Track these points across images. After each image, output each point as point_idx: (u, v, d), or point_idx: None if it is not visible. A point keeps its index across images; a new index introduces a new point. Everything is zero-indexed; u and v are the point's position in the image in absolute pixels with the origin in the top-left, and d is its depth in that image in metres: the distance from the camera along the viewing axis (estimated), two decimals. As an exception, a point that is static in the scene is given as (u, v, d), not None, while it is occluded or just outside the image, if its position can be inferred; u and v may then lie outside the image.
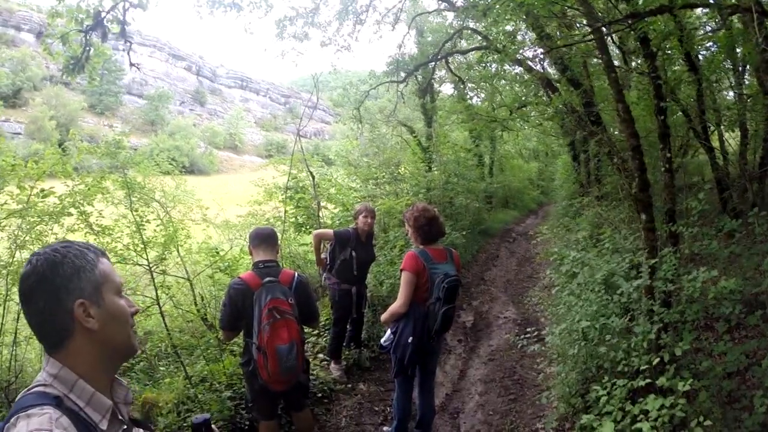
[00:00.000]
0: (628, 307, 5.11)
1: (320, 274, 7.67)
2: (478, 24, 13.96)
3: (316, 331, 7.67)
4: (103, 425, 1.38)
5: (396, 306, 4.51)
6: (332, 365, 7.04)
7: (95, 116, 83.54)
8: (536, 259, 13.15)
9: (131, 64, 9.51)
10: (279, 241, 4.82)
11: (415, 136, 18.82)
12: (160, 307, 6.51)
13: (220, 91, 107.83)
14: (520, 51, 11.68)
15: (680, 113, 9.13)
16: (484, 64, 14.11)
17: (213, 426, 1.95)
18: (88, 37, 7.98)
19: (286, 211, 10.85)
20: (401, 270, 4.50)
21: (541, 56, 12.29)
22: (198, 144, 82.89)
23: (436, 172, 15.65)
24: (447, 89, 23.09)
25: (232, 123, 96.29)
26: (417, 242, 4.69)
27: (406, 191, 14.31)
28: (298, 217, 11.53)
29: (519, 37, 11.94)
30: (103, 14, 7.96)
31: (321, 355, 7.32)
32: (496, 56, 11.82)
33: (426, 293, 4.45)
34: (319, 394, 6.36)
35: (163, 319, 6.60)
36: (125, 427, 1.48)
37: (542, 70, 13.21)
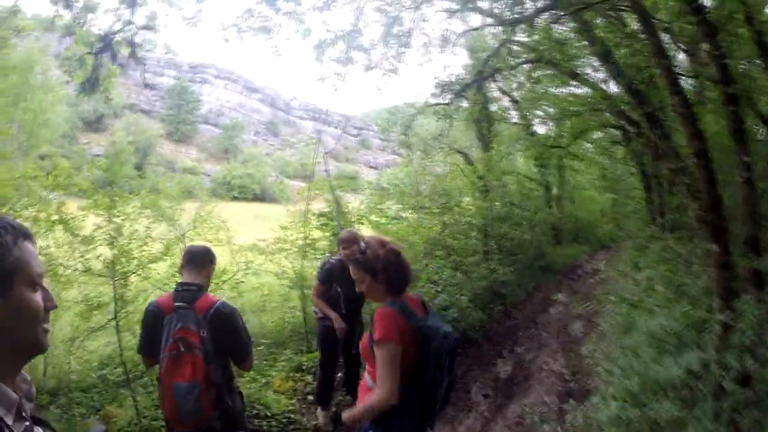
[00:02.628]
0: (687, 382, 3.56)
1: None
2: (527, 37, 12.67)
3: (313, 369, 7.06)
4: (9, 420, 1.26)
5: (380, 397, 2.91)
6: (318, 411, 6.13)
7: (172, 143, 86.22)
8: (598, 301, 11.59)
9: (145, 85, 9.81)
10: (212, 263, 4.07)
11: (470, 164, 17.73)
12: (117, 323, 6.38)
13: (293, 123, 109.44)
14: (575, 62, 10.33)
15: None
16: (533, 80, 12.78)
17: None
18: (97, 59, 7.99)
19: (305, 236, 10.21)
20: (376, 341, 2.94)
21: (597, 66, 10.85)
22: (270, 173, 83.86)
23: (495, 203, 14.49)
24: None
25: (304, 153, 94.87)
26: (382, 293, 3.20)
27: (461, 222, 13.26)
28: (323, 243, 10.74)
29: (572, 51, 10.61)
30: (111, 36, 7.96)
31: (310, 398, 6.58)
32: (548, 71, 10.59)
33: (415, 367, 2.95)
34: (292, 443, 5.28)
35: (117, 335, 6.34)
36: (27, 424, 1.33)
37: (603, 88, 11.73)
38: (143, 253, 7.43)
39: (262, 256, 10.75)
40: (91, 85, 8.17)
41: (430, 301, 8.92)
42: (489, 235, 13.53)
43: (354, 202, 12.60)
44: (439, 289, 9.24)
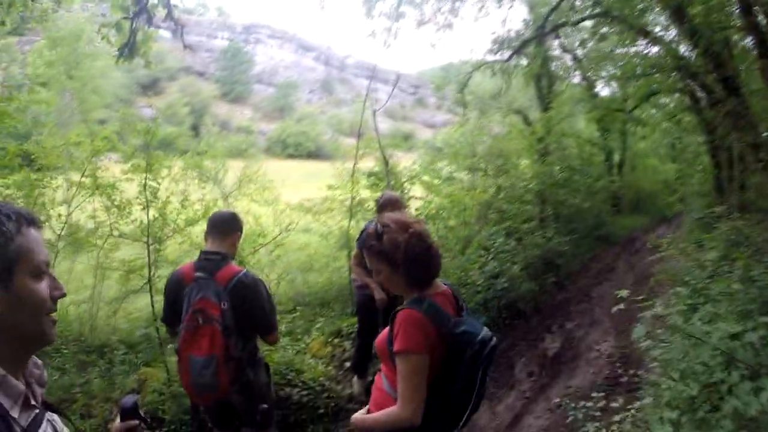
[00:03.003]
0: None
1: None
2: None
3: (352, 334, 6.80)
4: (15, 413, 1.22)
5: (400, 417, 2.36)
6: (354, 380, 5.86)
7: (227, 104, 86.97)
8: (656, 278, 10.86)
9: (184, 46, 10.23)
10: (238, 230, 3.80)
11: (529, 125, 17.03)
12: (150, 286, 6.20)
13: (348, 80, 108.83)
14: (644, 19, 9.53)
15: None
16: (598, 37, 11.93)
17: (140, 411, 1.72)
18: (134, 24, 7.96)
19: (352, 198, 9.84)
20: (399, 351, 2.37)
21: (668, 24, 10.00)
22: (324, 130, 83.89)
23: (554, 167, 13.87)
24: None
25: (357, 111, 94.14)
26: (404, 287, 2.58)
27: (517, 186, 12.63)
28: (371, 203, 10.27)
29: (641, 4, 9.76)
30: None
31: (347, 365, 6.34)
32: (615, 26, 9.80)
33: (442, 378, 2.39)
34: (321, 410, 5.31)
35: (151, 299, 6.11)
36: (37, 411, 1.30)
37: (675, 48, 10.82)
38: (180, 216, 7.42)
39: (309, 215, 10.90)
40: (129, 50, 8.10)
41: (480, 269, 8.51)
42: (546, 201, 12.95)
43: (407, 162, 12.15)
44: (491, 257, 8.75)
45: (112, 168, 7.45)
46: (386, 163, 9.93)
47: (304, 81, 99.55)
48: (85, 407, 5.24)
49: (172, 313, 3.60)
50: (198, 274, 3.46)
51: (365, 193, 10.37)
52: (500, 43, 13.76)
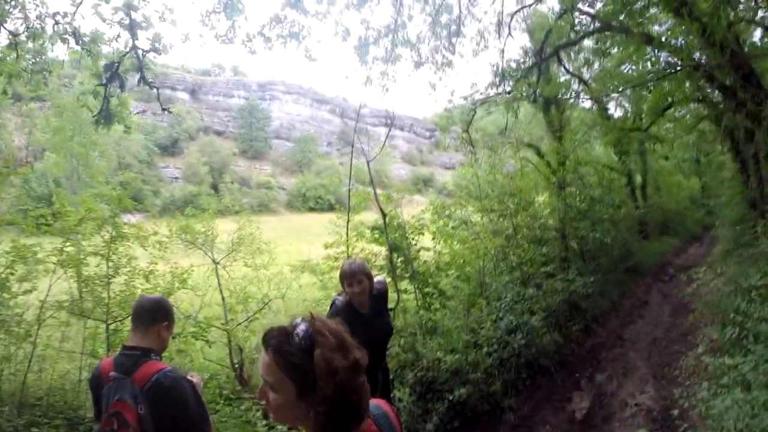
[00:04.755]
0: None
1: None
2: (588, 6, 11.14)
3: None
4: None
5: None
6: None
7: (246, 160, 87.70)
8: (695, 311, 9.82)
9: (163, 109, 9.53)
10: (165, 319, 3.24)
11: (542, 157, 16.27)
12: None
13: (365, 130, 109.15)
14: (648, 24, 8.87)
15: None
16: (602, 53, 11.21)
17: None
18: (108, 89, 7.75)
19: (348, 255, 9.24)
20: None
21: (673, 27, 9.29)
22: (344, 182, 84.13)
23: (574, 199, 13.07)
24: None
25: (378, 160, 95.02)
26: (314, 427, 1.75)
27: (535, 225, 11.99)
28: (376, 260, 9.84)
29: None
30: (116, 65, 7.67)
31: None
32: (617, 38, 9.12)
33: None
34: None
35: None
36: None
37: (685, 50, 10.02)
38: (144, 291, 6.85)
39: (309, 274, 10.41)
40: (105, 117, 7.93)
41: (494, 323, 7.68)
42: (567, 237, 12.07)
43: (418, 208, 11.49)
44: (505, 310, 7.90)
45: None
46: (383, 215, 9.27)
47: (321, 134, 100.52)
48: None
49: (98, 412, 3.09)
50: (113, 373, 2.99)
51: (371, 247, 9.87)
52: (501, 75, 13.10)
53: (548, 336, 7.84)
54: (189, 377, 3.15)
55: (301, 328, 1.80)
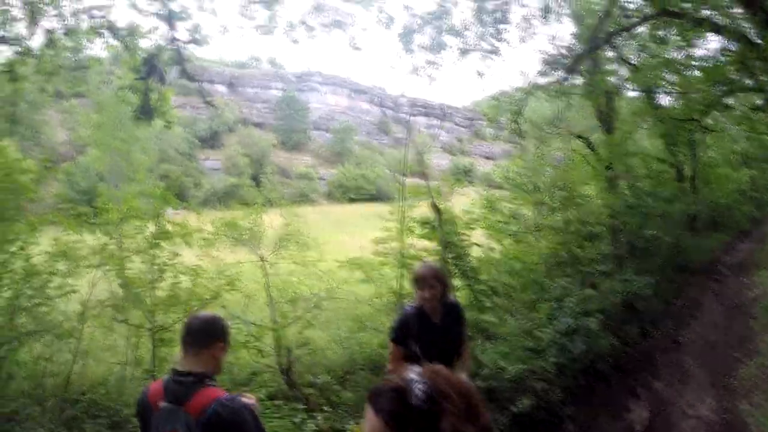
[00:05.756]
0: None
1: None
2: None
3: None
4: None
5: None
6: None
7: (286, 151, 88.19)
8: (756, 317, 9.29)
9: (205, 102, 9.60)
10: (219, 339, 2.98)
11: (592, 149, 15.75)
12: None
13: (403, 119, 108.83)
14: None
15: None
16: (657, 40, 10.67)
17: None
18: (148, 83, 7.69)
19: (402, 255, 9.03)
20: None
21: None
22: (383, 172, 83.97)
23: (625, 192, 12.58)
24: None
25: (418, 150, 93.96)
26: None
27: (587, 220, 11.61)
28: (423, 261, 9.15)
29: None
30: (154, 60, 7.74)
31: None
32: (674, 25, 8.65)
33: None
34: None
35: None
36: None
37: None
38: (192, 296, 6.67)
39: (359, 271, 9.90)
40: (145, 112, 7.86)
41: (550, 322, 7.32)
42: (618, 233, 11.58)
43: (466, 201, 11.21)
44: (563, 311, 7.50)
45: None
46: (438, 212, 8.97)
47: (359, 124, 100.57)
48: None
49: None
50: (163, 404, 2.74)
51: (421, 243, 9.54)
52: (551, 63, 12.62)
53: (604, 339, 7.42)
54: (245, 400, 2.91)
55: (420, 387, 1.49)
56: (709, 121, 17.33)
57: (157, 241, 6.54)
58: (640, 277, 9.27)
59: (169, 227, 7.10)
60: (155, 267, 6.21)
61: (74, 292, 6.52)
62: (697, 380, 7.16)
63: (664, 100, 17.10)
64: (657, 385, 7.07)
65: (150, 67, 7.46)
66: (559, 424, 6.17)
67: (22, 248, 6.32)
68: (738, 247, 18.92)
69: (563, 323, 7.22)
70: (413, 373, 1.50)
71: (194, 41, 7.52)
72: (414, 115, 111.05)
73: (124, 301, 6.59)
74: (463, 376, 4.27)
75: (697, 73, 13.17)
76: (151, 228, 6.84)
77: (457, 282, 8.76)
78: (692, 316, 10.37)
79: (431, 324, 4.26)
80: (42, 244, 6.61)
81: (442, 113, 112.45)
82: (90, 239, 7.00)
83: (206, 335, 2.93)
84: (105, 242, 6.79)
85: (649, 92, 16.07)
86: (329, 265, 10.23)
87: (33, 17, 7.45)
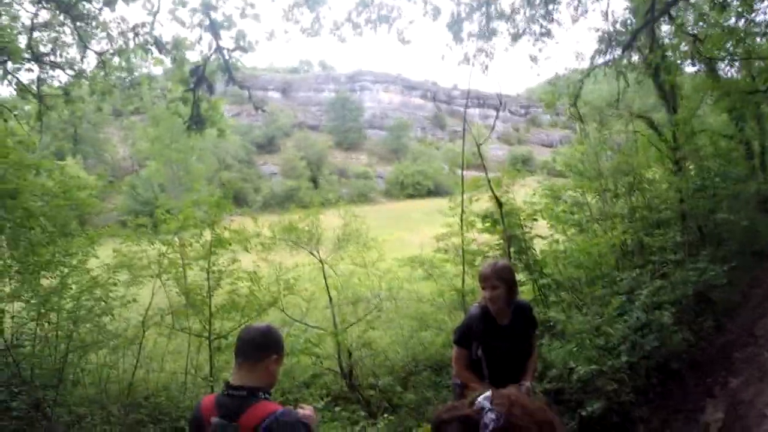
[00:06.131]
0: None
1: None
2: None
3: None
4: None
5: None
6: None
7: (342, 152, 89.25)
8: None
9: (256, 108, 9.58)
10: (275, 351, 2.90)
11: (656, 129, 15.13)
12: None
13: (458, 112, 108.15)
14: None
15: None
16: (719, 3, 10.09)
17: None
18: (197, 94, 7.73)
19: (464, 251, 8.91)
20: None
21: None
22: (441, 166, 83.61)
23: (691, 173, 12.00)
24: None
25: (474, 142, 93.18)
26: None
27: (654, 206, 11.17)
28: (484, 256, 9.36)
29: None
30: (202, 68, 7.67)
31: None
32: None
33: None
34: None
35: None
36: None
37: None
38: (251, 301, 6.62)
39: (421, 269, 10.00)
40: (196, 122, 7.85)
41: (623, 320, 6.93)
42: (687, 219, 10.97)
43: (527, 192, 10.94)
44: (634, 305, 7.08)
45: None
46: (499, 204, 8.73)
47: (414, 119, 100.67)
48: None
49: None
50: (215, 419, 2.69)
51: (483, 237, 9.50)
52: (607, 41, 12.15)
53: (677, 335, 6.96)
54: (301, 412, 2.80)
55: (491, 417, 1.37)
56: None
57: (214, 248, 6.53)
58: (713, 265, 8.69)
59: (226, 234, 7.13)
60: (213, 274, 6.20)
61: (135, 301, 6.64)
62: (777, 378, 6.64)
63: (729, 72, 16.32)
64: (733, 384, 6.51)
65: (198, 78, 7.47)
66: (631, 427, 5.81)
67: (81, 261, 6.52)
68: (821, 226, 17.75)
69: (634, 318, 6.82)
70: (485, 399, 1.34)
71: (240, 48, 7.47)
72: (468, 107, 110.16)
73: (184, 308, 6.65)
74: (528, 383, 4.07)
75: (759, 40, 12.46)
76: (207, 236, 6.84)
77: (521, 276, 8.50)
78: (770, 306, 9.67)
79: (497, 327, 4.06)
80: (102, 256, 6.84)
81: (498, 103, 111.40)
82: (150, 249, 7.11)
83: (259, 348, 2.85)
84: (164, 251, 6.86)
85: (711, 64, 15.38)
86: (389, 264, 10.15)
87: (82, 41, 7.79)
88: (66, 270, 6.30)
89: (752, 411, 5.80)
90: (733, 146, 16.25)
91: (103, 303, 6.31)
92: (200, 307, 6.47)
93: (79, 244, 6.59)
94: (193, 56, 7.66)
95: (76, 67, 8.03)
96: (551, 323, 7.43)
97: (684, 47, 13.55)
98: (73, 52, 8.03)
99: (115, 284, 6.49)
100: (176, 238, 7.17)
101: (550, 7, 11.96)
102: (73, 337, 6.12)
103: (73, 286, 6.30)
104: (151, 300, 6.77)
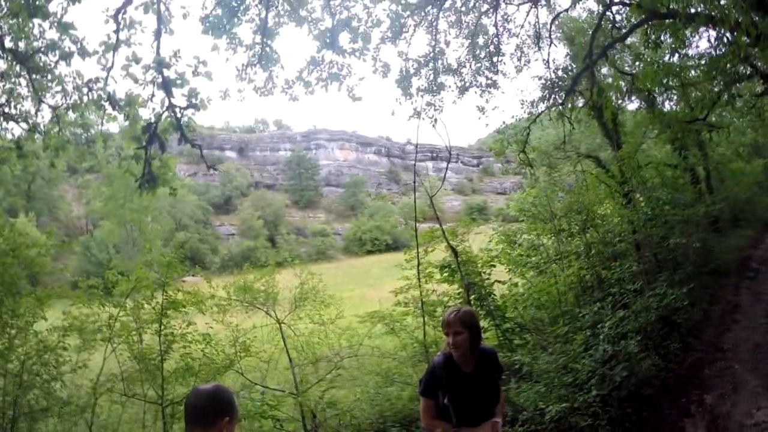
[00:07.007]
0: None
1: None
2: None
3: None
4: None
5: None
6: None
7: (299, 210, 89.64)
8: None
9: (209, 167, 9.29)
10: (227, 413, 2.65)
11: (603, 167, 15.58)
12: None
13: (413, 166, 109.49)
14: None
15: None
16: (651, 44, 10.48)
17: None
18: (149, 152, 7.47)
19: (423, 302, 8.92)
20: None
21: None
22: (398, 221, 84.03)
23: (641, 204, 12.30)
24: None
25: (426, 194, 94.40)
26: None
27: (608, 240, 11.24)
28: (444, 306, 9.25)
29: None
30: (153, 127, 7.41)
31: None
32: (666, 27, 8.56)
33: None
34: None
35: None
36: None
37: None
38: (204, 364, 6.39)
39: (381, 322, 9.77)
40: (147, 180, 7.52)
41: (586, 352, 6.92)
42: (643, 247, 11.18)
43: (483, 239, 10.99)
44: (598, 338, 7.09)
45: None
46: (455, 254, 8.76)
47: (369, 175, 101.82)
48: None
49: None
50: None
51: (443, 287, 9.53)
52: (551, 88, 12.54)
53: (647, 360, 6.99)
54: None
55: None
56: (713, 118, 17.15)
57: (166, 310, 6.31)
58: (672, 289, 8.84)
59: (180, 295, 6.92)
60: (165, 337, 5.97)
61: (86, 366, 6.38)
62: (749, 387, 6.73)
63: (667, 104, 16.98)
64: (709, 400, 6.61)
65: (150, 136, 7.27)
66: (610, 459, 5.73)
67: (29, 323, 6.36)
68: (766, 240, 18.45)
69: (600, 351, 6.80)
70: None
71: (192, 106, 7.33)
72: (421, 160, 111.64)
73: (138, 374, 6.39)
74: (498, 419, 3.96)
75: (693, 73, 13.03)
76: (159, 298, 6.63)
77: (483, 323, 8.45)
78: (732, 319, 9.92)
79: (461, 374, 3.90)
80: (51, 318, 6.60)
81: (449, 155, 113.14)
82: (101, 312, 6.88)
83: (210, 413, 2.64)
84: (115, 314, 6.63)
85: (650, 99, 15.95)
86: (349, 321, 9.97)
87: (37, 93, 7.67)
88: (13, 332, 6.10)
89: (731, 423, 5.85)
90: (678, 174, 16.81)
91: (52, 368, 6.03)
92: (153, 372, 6.20)
93: (27, 304, 6.39)
94: (146, 113, 7.56)
95: (30, 121, 7.93)
96: (517, 365, 7.34)
97: (623, 86, 14.03)
98: (27, 105, 7.95)
99: (65, 348, 6.23)
100: (128, 301, 6.92)
101: (495, 59, 12.34)
102: (20, 402, 5.85)
103: (20, 349, 6.05)
104: (102, 365, 6.50)
